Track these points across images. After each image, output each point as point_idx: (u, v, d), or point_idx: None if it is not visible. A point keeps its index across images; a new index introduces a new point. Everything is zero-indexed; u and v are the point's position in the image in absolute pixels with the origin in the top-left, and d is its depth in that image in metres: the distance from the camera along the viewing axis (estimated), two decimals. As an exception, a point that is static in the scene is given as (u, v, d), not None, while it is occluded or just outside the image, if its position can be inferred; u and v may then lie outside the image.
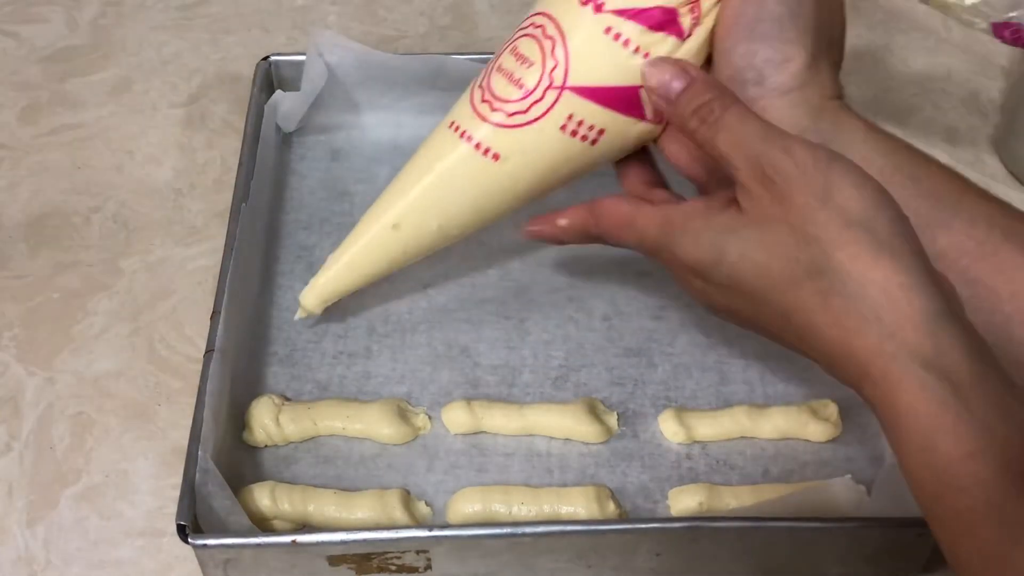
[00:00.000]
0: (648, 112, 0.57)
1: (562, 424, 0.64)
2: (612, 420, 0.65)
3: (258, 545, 0.55)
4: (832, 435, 0.64)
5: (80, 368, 0.69)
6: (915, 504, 0.56)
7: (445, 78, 0.78)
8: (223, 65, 0.90)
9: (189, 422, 0.59)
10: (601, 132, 0.58)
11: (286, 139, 0.80)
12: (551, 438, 0.64)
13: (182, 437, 0.60)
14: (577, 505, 0.60)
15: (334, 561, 0.56)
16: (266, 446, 0.64)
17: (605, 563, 0.57)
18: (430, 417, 0.65)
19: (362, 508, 0.60)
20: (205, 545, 0.54)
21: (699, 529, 0.56)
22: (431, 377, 0.67)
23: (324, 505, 0.60)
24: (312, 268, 0.72)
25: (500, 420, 0.64)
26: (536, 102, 0.58)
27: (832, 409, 0.64)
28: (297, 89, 0.78)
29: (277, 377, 0.67)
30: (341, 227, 0.75)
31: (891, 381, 0.43)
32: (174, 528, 0.55)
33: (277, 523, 0.60)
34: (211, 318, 0.63)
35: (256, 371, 0.67)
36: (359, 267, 0.65)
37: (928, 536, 0.56)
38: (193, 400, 0.60)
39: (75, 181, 0.80)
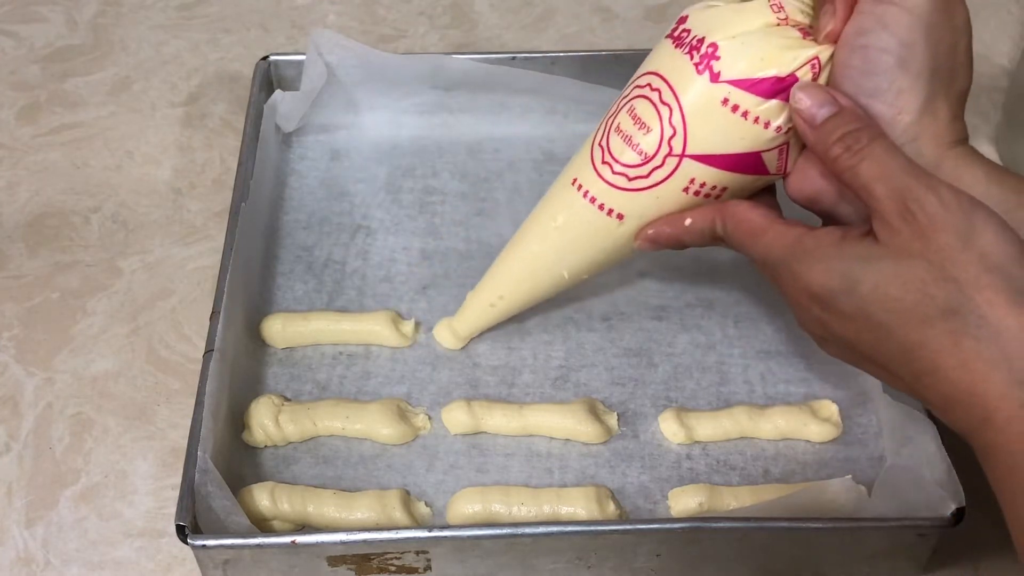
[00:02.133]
0: (771, 167, 0.57)
1: (562, 424, 0.64)
2: (612, 420, 0.65)
3: (257, 546, 0.55)
4: (832, 435, 0.64)
5: (79, 368, 0.69)
6: (916, 504, 0.56)
7: (444, 77, 0.78)
8: (222, 65, 0.90)
9: (188, 422, 0.59)
10: (724, 189, 0.58)
11: (286, 139, 0.80)
12: (551, 438, 0.64)
13: (181, 437, 0.60)
14: (577, 505, 0.60)
15: (334, 562, 0.56)
16: (266, 446, 0.63)
17: (605, 563, 0.57)
18: (430, 417, 0.65)
19: (362, 508, 0.59)
20: (204, 546, 0.54)
21: (699, 530, 0.56)
22: (431, 377, 0.67)
23: (324, 505, 0.59)
24: (312, 268, 0.72)
25: (500, 420, 0.64)
26: (656, 168, 0.58)
27: (832, 409, 0.64)
28: (297, 89, 0.78)
29: (277, 377, 0.67)
30: (340, 227, 0.75)
31: (1016, 428, 0.43)
32: (173, 529, 0.55)
33: (276, 523, 0.60)
34: (210, 318, 0.63)
35: (256, 371, 0.67)
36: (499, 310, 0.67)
37: (929, 537, 0.57)
38: (192, 400, 0.60)
39: (74, 181, 0.80)
